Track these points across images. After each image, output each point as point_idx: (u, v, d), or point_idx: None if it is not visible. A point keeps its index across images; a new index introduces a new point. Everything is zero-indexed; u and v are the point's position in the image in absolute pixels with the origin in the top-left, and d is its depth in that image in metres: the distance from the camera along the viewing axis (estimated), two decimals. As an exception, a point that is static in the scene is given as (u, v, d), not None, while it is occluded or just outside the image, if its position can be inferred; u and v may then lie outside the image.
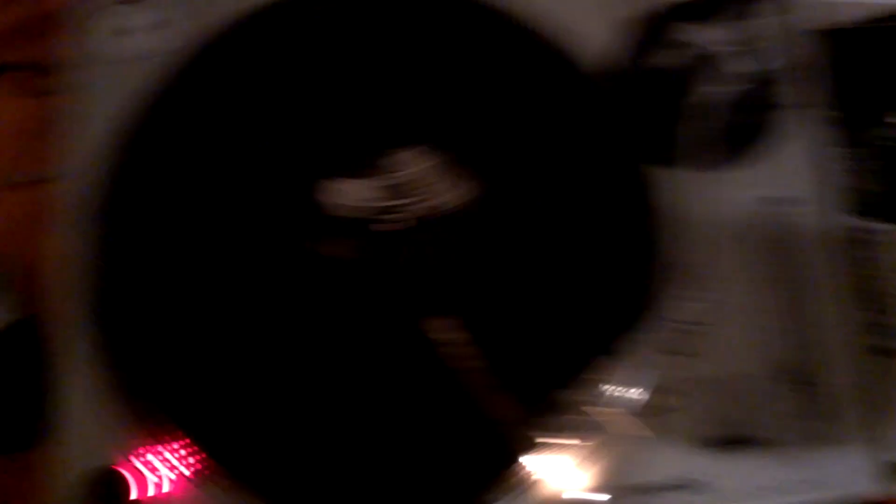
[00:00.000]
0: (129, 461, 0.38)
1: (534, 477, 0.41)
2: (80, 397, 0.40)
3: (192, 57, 0.44)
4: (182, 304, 0.41)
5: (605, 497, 0.41)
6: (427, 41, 0.45)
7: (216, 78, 0.45)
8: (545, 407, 0.40)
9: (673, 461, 0.42)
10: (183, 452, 0.39)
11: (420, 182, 0.41)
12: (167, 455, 0.39)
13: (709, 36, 0.38)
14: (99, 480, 0.38)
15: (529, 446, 0.40)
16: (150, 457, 0.38)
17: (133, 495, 0.38)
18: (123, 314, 0.41)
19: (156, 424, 0.39)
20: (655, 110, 0.43)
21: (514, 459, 0.40)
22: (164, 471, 0.38)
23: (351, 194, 0.41)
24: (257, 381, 0.40)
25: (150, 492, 0.38)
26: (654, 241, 0.43)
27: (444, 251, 0.41)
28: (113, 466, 0.38)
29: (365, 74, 0.45)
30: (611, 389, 0.40)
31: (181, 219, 0.43)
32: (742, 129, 0.44)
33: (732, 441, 0.42)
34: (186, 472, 0.39)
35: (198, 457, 0.39)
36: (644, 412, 0.42)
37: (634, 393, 0.42)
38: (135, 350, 0.40)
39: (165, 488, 0.38)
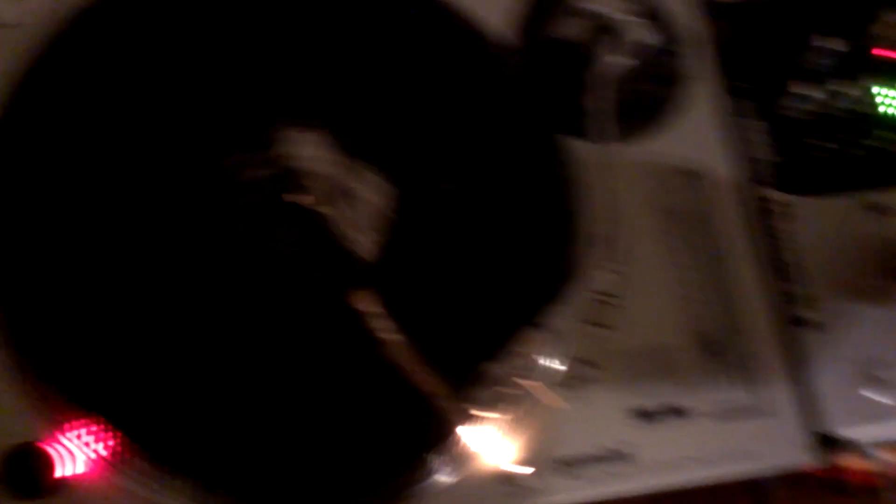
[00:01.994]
0: (46, 440, 0.38)
1: (464, 450, 0.41)
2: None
3: (72, 23, 0.43)
4: (83, 281, 0.40)
5: (529, 470, 0.41)
6: (327, 18, 0.45)
7: (100, 45, 0.43)
8: (472, 379, 0.39)
9: (596, 433, 0.41)
10: (99, 433, 0.38)
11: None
12: (83, 435, 0.38)
13: (610, 5, 0.40)
14: (19, 457, 0.37)
15: (459, 419, 0.40)
16: (66, 436, 0.38)
17: (56, 473, 0.37)
18: (22, 291, 0.39)
19: (69, 403, 0.38)
20: (563, 81, 0.44)
21: (443, 433, 0.40)
22: (80, 451, 0.38)
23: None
24: (171, 358, 0.39)
25: (68, 471, 0.38)
26: (572, 212, 0.43)
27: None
28: (33, 443, 0.37)
29: (263, 50, 0.45)
30: (533, 361, 0.40)
31: (75, 194, 0.41)
32: (647, 100, 0.45)
33: (655, 412, 0.42)
34: (104, 453, 0.38)
35: (114, 437, 0.38)
36: (564, 384, 0.42)
37: (555, 364, 0.42)
38: (38, 330, 0.38)
39: (81, 469, 0.38)
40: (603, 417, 0.42)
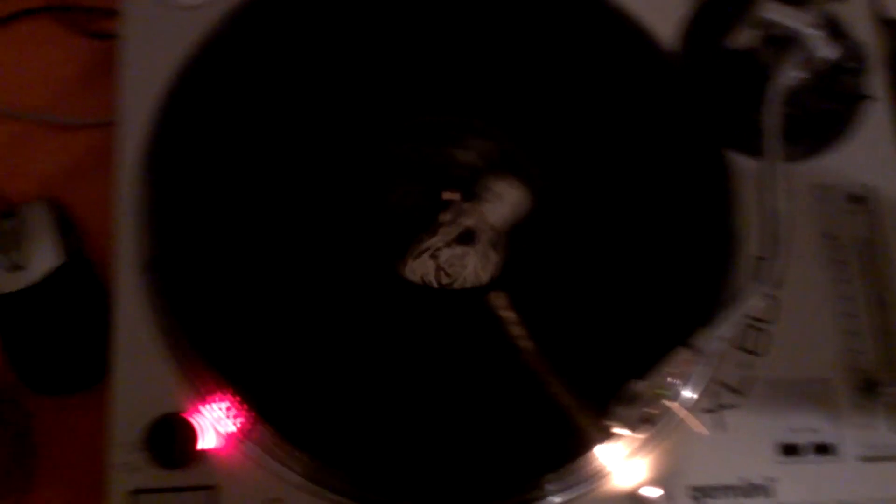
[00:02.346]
0: (189, 412, 0.38)
1: (596, 467, 0.39)
2: (140, 344, 0.39)
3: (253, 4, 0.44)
4: (237, 258, 0.41)
5: (659, 492, 0.39)
6: (503, 21, 0.45)
7: (278, 26, 0.45)
8: (613, 396, 0.38)
9: (736, 463, 0.40)
10: (232, 408, 0.39)
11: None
12: (218, 409, 0.39)
13: (797, 17, 0.37)
14: (166, 427, 0.37)
15: (595, 435, 0.39)
16: (206, 409, 0.39)
17: (198, 445, 0.37)
18: (179, 263, 0.40)
19: (209, 378, 0.39)
20: (737, 93, 0.42)
21: (577, 448, 0.39)
22: (217, 424, 0.38)
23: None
24: (312, 341, 0.39)
25: (207, 443, 0.38)
26: (731, 230, 0.41)
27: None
28: (179, 414, 0.38)
29: (442, 48, 0.45)
30: (677, 383, 0.38)
31: (240, 170, 0.42)
32: (819, 118, 0.42)
33: (800, 447, 0.40)
34: (234, 429, 0.39)
35: (247, 413, 0.39)
36: (707, 409, 0.40)
37: (700, 388, 0.40)
38: (189, 301, 0.40)
39: (217, 441, 0.38)
40: (744, 447, 0.40)
